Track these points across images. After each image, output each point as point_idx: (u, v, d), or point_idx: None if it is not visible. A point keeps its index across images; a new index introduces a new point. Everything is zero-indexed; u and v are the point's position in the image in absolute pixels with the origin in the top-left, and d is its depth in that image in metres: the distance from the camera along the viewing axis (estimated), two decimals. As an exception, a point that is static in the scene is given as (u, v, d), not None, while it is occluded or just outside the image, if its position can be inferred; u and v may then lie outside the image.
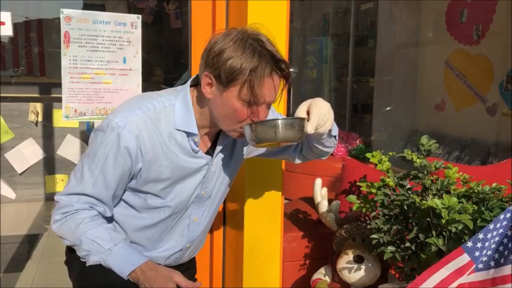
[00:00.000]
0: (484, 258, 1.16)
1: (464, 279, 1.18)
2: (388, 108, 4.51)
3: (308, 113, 1.33)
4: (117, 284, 1.25)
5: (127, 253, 1.28)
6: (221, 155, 1.45)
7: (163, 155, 1.33)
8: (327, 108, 1.34)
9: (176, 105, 1.35)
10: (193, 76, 1.41)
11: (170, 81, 4.66)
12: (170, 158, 1.34)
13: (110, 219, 1.39)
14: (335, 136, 1.53)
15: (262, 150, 1.59)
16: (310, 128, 1.31)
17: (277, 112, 1.62)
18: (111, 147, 1.28)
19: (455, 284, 1.19)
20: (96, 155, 1.29)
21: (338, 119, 5.72)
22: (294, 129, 1.29)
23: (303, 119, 1.31)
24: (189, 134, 1.35)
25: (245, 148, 1.54)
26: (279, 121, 1.27)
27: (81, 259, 1.30)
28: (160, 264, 1.44)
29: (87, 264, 1.28)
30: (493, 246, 1.15)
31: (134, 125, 1.28)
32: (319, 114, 1.32)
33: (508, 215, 1.14)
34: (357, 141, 3.99)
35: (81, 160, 1.34)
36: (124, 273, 1.25)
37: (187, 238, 1.48)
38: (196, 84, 1.39)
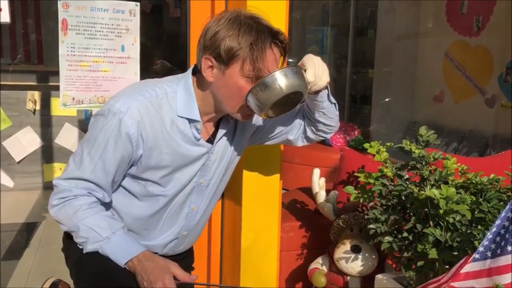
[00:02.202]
0: (481, 249, 1.16)
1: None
2: (387, 100, 4.50)
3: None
4: (114, 272, 1.25)
5: (125, 242, 1.28)
6: (221, 144, 1.44)
7: (164, 142, 1.32)
8: (319, 59, 1.35)
9: (178, 92, 1.34)
10: (192, 66, 1.40)
11: (169, 69, 4.64)
12: (171, 146, 1.34)
13: (108, 206, 1.39)
14: (335, 104, 1.52)
15: (270, 130, 1.56)
16: (309, 75, 1.32)
17: None
18: (111, 133, 1.26)
19: (450, 273, 1.20)
20: (96, 140, 1.28)
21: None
22: (295, 76, 1.26)
23: (298, 66, 1.31)
24: (191, 121, 1.34)
25: (251, 127, 1.53)
26: (277, 72, 1.24)
27: (79, 246, 1.30)
28: (157, 253, 1.44)
29: (84, 251, 1.28)
30: (490, 236, 1.15)
31: (136, 111, 1.27)
32: (314, 64, 1.33)
33: (508, 206, 1.14)
34: (356, 132, 3.99)
35: (80, 145, 1.32)
36: (121, 262, 1.25)
37: (184, 226, 1.48)
38: (195, 73, 1.38)
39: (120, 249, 1.26)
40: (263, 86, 1.24)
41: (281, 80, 1.24)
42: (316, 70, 1.33)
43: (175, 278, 1.25)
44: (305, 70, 1.32)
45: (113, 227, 1.28)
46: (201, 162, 1.41)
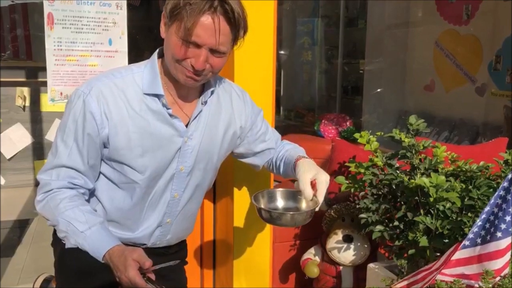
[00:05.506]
0: (471, 235, 1.17)
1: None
2: (378, 90, 4.51)
3: (312, 184, 1.39)
4: (93, 267, 1.24)
5: (101, 237, 1.27)
6: (201, 132, 1.42)
7: (130, 121, 1.33)
8: (328, 181, 1.40)
9: (145, 71, 1.36)
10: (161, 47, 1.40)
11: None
12: (139, 125, 1.33)
13: (92, 197, 1.39)
14: None
15: (239, 150, 1.62)
16: (317, 208, 1.38)
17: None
18: (79, 115, 1.30)
19: (441, 260, 1.20)
20: (67, 125, 1.31)
21: (329, 101, 5.73)
22: (306, 218, 1.37)
23: (314, 208, 1.38)
24: (158, 97, 1.35)
25: (235, 126, 1.52)
26: (296, 216, 1.37)
27: (62, 241, 1.30)
28: (145, 244, 1.44)
29: (66, 246, 1.28)
30: (479, 223, 1.16)
31: (97, 91, 1.30)
32: (325, 191, 1.38)
33: (497, 193, 1.14)
34: (348, 123, 3.99)
35: (55, 136, 1.35)
36: (98, 257, 1.24)
37: (166, 213, 1.46)
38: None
39: (96, 244, 1.25)
40: (280, 216, 1.37)
41: (293, 218, 1.37)
42: (324, 198, 1.40)
43: (143, 270, 1.20)
44: (314, 195, 1.38)
45: (90, 222, 1.27)
46: (176, 146, 1.39)
